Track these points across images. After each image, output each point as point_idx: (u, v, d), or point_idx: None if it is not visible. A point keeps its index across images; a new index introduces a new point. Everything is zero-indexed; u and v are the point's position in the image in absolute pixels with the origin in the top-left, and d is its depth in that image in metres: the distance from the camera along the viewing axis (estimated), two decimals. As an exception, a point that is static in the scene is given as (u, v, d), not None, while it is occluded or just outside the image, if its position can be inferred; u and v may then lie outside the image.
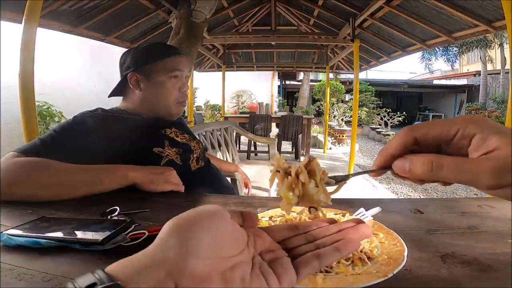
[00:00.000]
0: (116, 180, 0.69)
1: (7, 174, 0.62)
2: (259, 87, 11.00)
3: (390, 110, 10.12)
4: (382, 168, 0.30)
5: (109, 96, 0.99)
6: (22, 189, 0.62)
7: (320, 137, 7.26)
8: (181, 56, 0.94)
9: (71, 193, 0.66)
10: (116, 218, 0.55)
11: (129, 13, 3.20)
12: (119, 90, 0.96)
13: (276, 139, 3.24)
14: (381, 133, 9.20)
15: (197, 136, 1.06)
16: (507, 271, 0.40)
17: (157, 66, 0.89)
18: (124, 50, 1.05)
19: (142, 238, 0.46)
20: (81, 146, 0.75)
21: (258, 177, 2.25)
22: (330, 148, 6.84)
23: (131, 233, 0.47)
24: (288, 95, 14.79)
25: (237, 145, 4.78)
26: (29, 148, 0.70)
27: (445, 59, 14.53)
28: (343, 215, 0.52)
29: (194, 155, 0.94)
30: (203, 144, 1.06)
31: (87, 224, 0.51)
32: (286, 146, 6.85)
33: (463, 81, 14.31)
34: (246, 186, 1.41)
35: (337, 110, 8.72)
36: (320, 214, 0.52)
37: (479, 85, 12.15)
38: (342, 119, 8.63)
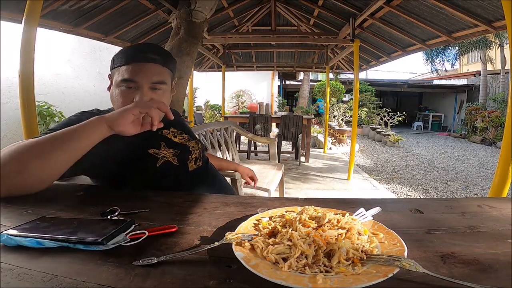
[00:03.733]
0: (93, 130, 0.66)
1: None
2: (259, 87, 11.01)
3: (390, 110, 10.13)
4: None
5: None
6: (8, 180, 0.59)
7: (320, 137, 7.26)
8: (141, 64, 0.80)
9: (52, 164, 0.62)
10: (116, 218, 0.55)
11: (129, 13, 3.21)
12: None
13: (276, 139, 3.24)
14: (381, 133, 9.20)
15: (197, 136, 1.06)
16: (507, 271, 0.40)
17: (116, 71, 0.82)
18: (124, 50, 1.05)
19: (142, 238, 0.45)
20: None
21: (258, 177, 2.25)
22: (330, 148, 6.84)
23: (131, 233, 0.47)
24: (288, 95, 14.77)
25: (237, 145, 4.78)
26: None
27: (445, 58, 14.49)
28: (343, 215, 0.52)
29: (193, 156, 0.93)
30: (203, 144, 1.05)
31: (87, 224, 0.51)
32: (286, 146, 6.85)
33: (463, 81, 14.27)
34: (252, 179, 1.41)
35: (337, 110, 8.72)
36: (320, 214, 0.52)
37: (479, 85, 12.14)
38: (342, 119, 8.63)
